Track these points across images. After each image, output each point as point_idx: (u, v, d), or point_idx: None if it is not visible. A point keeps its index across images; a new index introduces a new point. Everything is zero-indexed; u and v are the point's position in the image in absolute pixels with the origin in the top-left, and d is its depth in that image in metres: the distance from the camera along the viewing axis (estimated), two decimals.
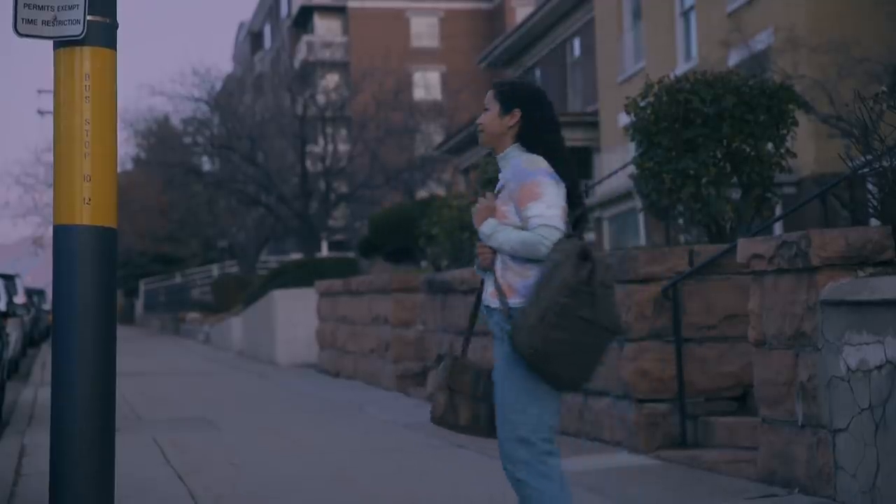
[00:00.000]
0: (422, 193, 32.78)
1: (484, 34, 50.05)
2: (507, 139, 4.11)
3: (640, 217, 21.55)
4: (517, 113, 4.08)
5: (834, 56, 16.63)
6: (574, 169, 4.11)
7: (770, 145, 8.47)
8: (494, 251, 4.06)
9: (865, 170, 6.39)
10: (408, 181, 34.18)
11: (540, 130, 4.08)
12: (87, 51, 4.01)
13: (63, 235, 4.02)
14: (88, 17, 3.96)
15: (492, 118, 4.13)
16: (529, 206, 3.93)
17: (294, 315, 18.52)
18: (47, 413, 4.31)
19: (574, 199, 4.06)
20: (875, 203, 5.80)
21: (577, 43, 31.24)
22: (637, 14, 26.51)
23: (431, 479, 6.83)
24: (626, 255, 7.66)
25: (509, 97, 4.11)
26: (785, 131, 8.52)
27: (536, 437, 3.95)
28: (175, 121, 37.26)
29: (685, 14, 24.06)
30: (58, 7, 3.97)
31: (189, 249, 42.27)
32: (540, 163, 4.00)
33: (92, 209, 4.00)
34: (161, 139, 37.14)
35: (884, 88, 6.21)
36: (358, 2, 52.11)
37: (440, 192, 32.00)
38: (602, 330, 3.87)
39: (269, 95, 38.18)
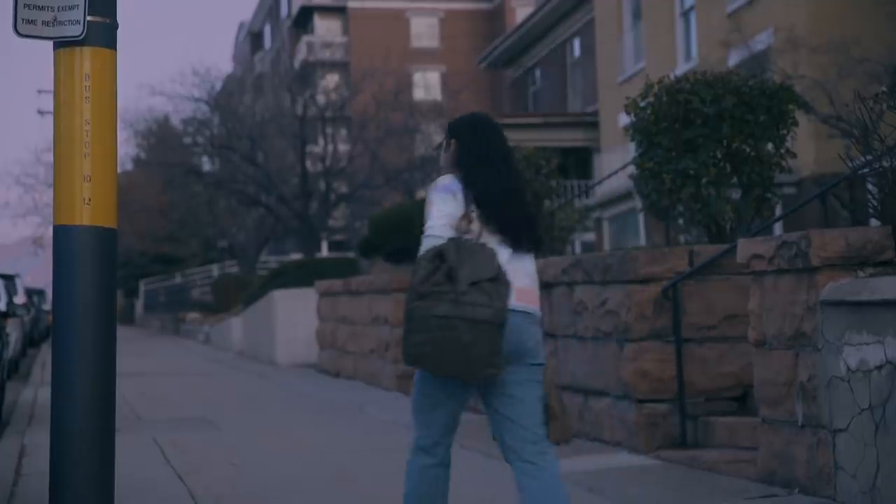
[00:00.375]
0: (422, 193, 32.73)
1: (484, 34, 50.07)
2: (453, 169, 4.30)
3: (640, 217, 21.54)
4: (453, 143, 4.33)
5: (834, 56, 16.63)
6: (498, 178, 4.19)
7: (770, 145, 8.48)
8: None
9: (865, 170, 6.39)
10: (408, 181, 34.15)
11: (467, 154, 4.26)
12: (87, 51, 4.00)
13: (63, 235, 4.01)
14: (88, 18, 3.95)
15: (442, 153, 4.43)
16: (426, 222, 4.16)
17: (294, 315, 18.52)
18: (47, 413, 4.31)
19: (489, 203, 4.13)
20: (875, 203, 5.80)
21: (577, 43, 31.26)
22: (637, 14, 26.51)
23: None
24: (626, 255, 7.66)
25: (450, 132, 4.39)
26: (785, 131, 8.52)
27: (416, 438, 4.20)
28: (175, 121, 37.27)
29: (685, 14, 24.06)
30: (58, 7, 3.96)
31: (189, 249, 42.27)
32: (442, 180, 4.22)
33: (92, 209, 3.99)
34: (161, 139, 37.12)
35: (884, 88, 6.21)
36: (358, 2, 52.12)
37: None
38: (472, 323, 3.84)
39: (269, 95, 38.16)
